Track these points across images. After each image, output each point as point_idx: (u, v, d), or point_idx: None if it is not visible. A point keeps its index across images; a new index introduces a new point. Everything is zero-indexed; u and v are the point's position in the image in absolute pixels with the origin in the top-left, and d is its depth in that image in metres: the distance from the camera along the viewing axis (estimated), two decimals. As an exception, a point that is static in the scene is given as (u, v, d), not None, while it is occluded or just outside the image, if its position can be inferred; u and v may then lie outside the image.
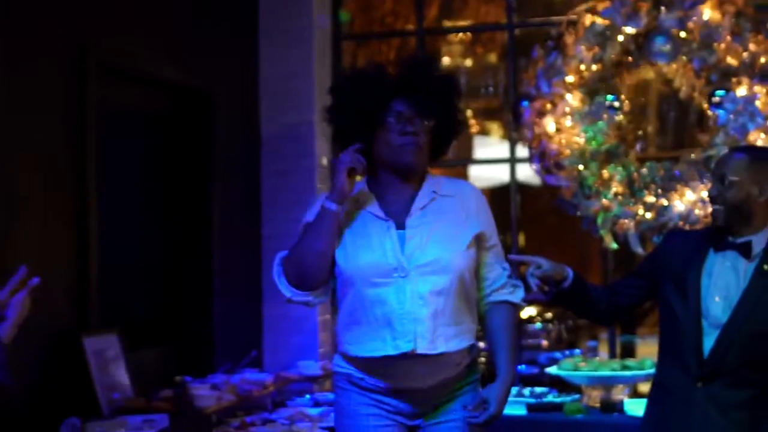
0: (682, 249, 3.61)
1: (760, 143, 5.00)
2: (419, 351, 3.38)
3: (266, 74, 6.17)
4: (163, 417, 4.22)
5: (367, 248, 3.43)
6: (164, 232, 5.54)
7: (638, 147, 6.97)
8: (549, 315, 8.67)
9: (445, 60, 8.39)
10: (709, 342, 3.49)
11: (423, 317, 3.38)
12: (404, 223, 3.46)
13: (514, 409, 5.09)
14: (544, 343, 8.51)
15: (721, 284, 3.51)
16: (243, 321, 5.98)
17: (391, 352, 3.39)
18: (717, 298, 3.50)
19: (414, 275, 3.39)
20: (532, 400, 5.16)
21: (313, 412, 5.15)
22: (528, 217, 7.26)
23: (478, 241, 3.51)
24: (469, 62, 8.50)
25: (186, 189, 5.61)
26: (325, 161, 6.18)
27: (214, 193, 5.64)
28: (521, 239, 6.69)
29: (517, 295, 3.58)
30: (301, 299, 3.50)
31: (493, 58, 8.57)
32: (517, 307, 3.60)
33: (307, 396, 5.62)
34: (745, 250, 3.50)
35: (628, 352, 7.76)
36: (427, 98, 3.50)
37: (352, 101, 3.48)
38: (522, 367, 6.56)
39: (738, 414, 3.47)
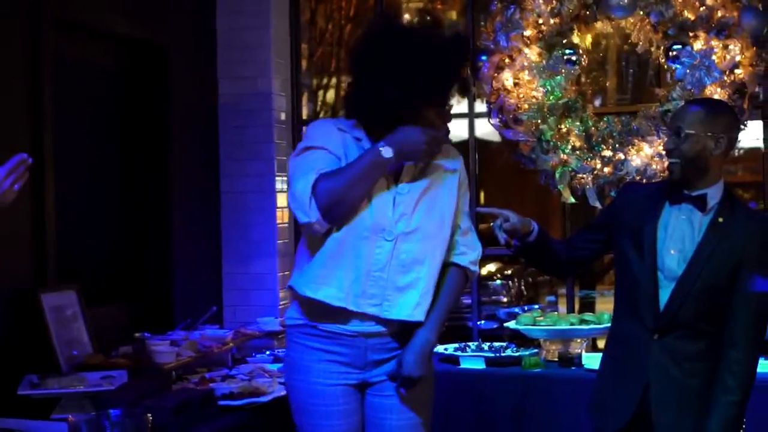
0: (637, 202, 3.63)
1: (716, 97, 5.01)
2: (384, 316, 3.39)
3: (223, 28, 6.12)
4: (122, 373, 4.21)
5: (367, 201, 3.38)
6: (122, 188, 5.50)
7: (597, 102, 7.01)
8: (509, 272, 8.73)
9: (406, 17, 8.35)
10: (664, 295, 3.52)
11: (403, 284, 3.39)
12: (396, 181, 3.43)
13: (473, 363, 5.12)
14: (504, 299, 8.57)
15: (677, 237, 3.52)
16: (202, 277, 5.96)
17: (352, 307, 3.38)
18: (672, 251, 3.52)
19: (399, 241, 3.38)
20: (490, 354, 5.17)
21: (273, 367, 5.16)
22: (487, 173, 7.28)
23: None
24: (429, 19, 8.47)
25: (144, 144, 5.57)
26: (283, 116, 6.15)
27: (172, 148, 5.61)
28: (481, 196, 6.70)
29: (467, 258, 3.56)
30: (323, 229, 3.37)
31: (453, 15, 8.57)
32: (462, 269, 3.56)
33: (267, 352, 5.62)
34: (700, 203, 3.52)
35: (587, 308, 7.83)
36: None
37: (439, 64, 3.40)
38: (481, 323, 6.59)
39: (693, 365, 3.50)
